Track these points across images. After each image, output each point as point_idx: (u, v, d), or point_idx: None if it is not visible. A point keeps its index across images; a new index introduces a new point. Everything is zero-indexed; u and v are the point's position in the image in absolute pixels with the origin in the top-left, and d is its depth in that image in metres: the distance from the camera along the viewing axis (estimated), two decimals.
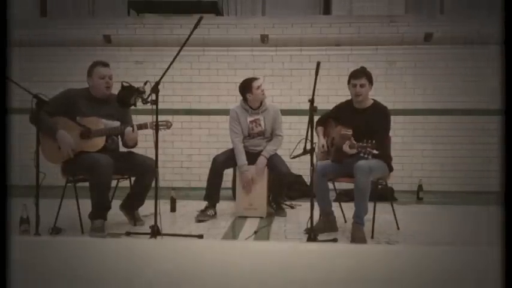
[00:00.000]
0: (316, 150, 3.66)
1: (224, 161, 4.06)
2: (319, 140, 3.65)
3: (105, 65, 3.50)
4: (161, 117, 3.11)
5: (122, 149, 3.68)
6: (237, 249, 0.91)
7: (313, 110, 3.05)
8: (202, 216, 3.92)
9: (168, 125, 3.43)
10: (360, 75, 3.45)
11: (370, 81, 3.48)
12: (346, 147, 3.25)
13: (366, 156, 3.12)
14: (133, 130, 3.41)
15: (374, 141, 3.09)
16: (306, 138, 3.12)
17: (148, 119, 3.22)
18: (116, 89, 3.29)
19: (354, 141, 3.21)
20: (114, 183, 3.62)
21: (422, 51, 5.58)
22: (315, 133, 3.15)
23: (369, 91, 3.51)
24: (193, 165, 5.74)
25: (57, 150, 3.34)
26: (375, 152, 3.07)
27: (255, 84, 4.02)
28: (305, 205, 4.37)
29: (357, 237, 3.25)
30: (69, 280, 0.69)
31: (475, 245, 3.18)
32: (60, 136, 3.29)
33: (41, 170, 3.08)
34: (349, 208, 3.64)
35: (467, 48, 5.52)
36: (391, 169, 3.54)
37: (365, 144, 3.10)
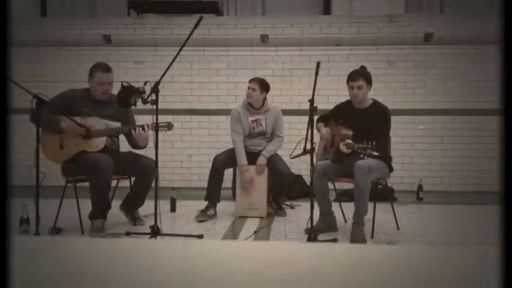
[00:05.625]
0: (316, 150, 3.66)
1: (224, 161, 4.06)
2: (322, 131, 3.64)
3: (107, 70, 3.43)
4: (161, 118, 3.10)
5: (122, 149, 3.68)
6: (237, 249, 0.91)
7: (313, 110, 3.05)
8: (202, 216, 3.93)
9: (169, 127, 3.42)
10: (357, 77, 3.43)
11: (369, 82, 3.47)
12: (342, 147, 3.25)
13: (365, 157, 3.13)
14: (144, 130, 3.39)
15: (374, 143, 3.09)
16: (306, 138, 3.12)
17: (148, 119, 3.22)
18: (116, 89, 3.29)
19: (351, 141, 3.22)
20: (114, 183, 3.62)
21: (422, 51, 5.58)
22: (315, 133, 3.15)
23: (368, 92, 3.50)
24: (193, 165, 5.74)
25: (59, 148, 3.34)
26: (374, 153, 3.08)
27: (248, 84, 4.09)
28: (305, 205, 4.37)
29: (357, 237, 3.25)
30: (69, 280, 0.69)
31: (475, 245, 3.18)
32: (65, 125, 3.29)
33: (41, 170, 3.08)
34: (349, 208, 3.64)
35: (467, 48, 5.52)
36: (391, 169, 3.54)
37: (365, 146, 3.10)
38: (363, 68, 3.58)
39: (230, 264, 0.77)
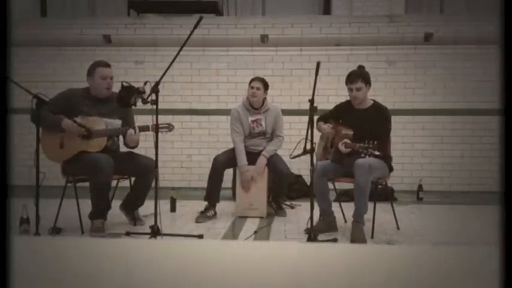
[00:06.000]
0: (316, 150, 3.66)
1: (224, 161, 4.06)
2: (323, 127, 3.64)
3: (107, 65, 3.49)
4: (161, 118, 3.11)
5: (122, 149, 3.68)
6: (237, 249, 0.91)
7: (313, 110, 3.05)
8: (202, 218, 3.92)
9: (170, 128, 3.43)
10: (355, 79, 3.44)
11: (367, 83, 3.47)
12: (341, 147, 3.26)
13: (366, 157, 3.13)
14: (135, 132, 3.40)
15: (376, 143, 3.09)
16: (306, 138, 3.12)
17: (148, 118, 3.22)
18: (116, 89, 3.29)
19: (349, 141, 3.23)
20: (114, 183, 3.62)
21: (422, 51, 5.58)
22: (315, 133, 3.15)
23: (367, 92, 3.51)
24: (193, 165, 5.74)
25: (59, 148, 3.34)
26: (376, 153, 3.08)
27: (252, 83, 4.11)
28: (305, 205, 4.37)
29: (357, 237, 3.25)
30: (69, 280, 0.69)
31: (475, 245, 3.18)
32: (66, 124, 3.29)
33: (41, 170, 3.08)
34: (349, 208, 3.64)
35: (467, 48, 5.52)
36: (391, 169, 3.54)
37: (366, 145, 3.11)
38: (360, 67, 3.57)
39: (230, 264, 0.77)
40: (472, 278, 0.72)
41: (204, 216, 3.95)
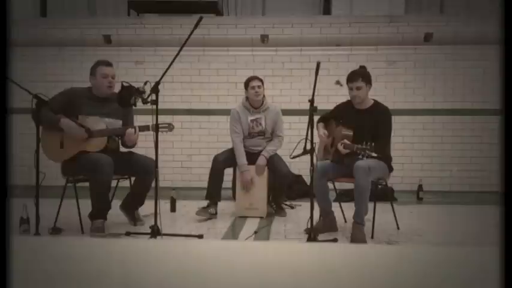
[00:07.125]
0: (316, 150, 3.66)
1: (224, 160, 4.07)
2: (320, 131, 3.63)
3: (109, 64, 3.51)
4: (161, 118, 3.10)
5: (122, 149, 3.68)
6: (237, 249, 0.91)
7: (313, 110, 3.05)
8: (203, 213, 3.92)
9: (170, 128, 3.43)
10: (355, 78, 3.43)
11: (368, 82, 3.47)
12: (340, 147, 3.26)
13: (364, 158, 3.13)
14: (135, 132, 3.40)
15: (373, 144, 3.09)
16: (306, 138, 3.12)
17: (148, 118, 3.22)
18: (116, 89, 3.29)
19: (348, 142, 3.23)
20: (114, 183, 3.62)
21: (422, 51, 5.58)
22: (315, 133, 3.15)
23: (368, 91, 3.50)
24: (193, 165, 5.74)
25: (59, 148, 3.34)
26: (373, 155, 3.07)
27: (251, 83, 4.10)
28: (305, 205, 4.37)
29: (357, 237, 3.25)
30: (69, 280, 0.69)
31: (475, 245, 3.18)
32: (65, 123, 3.28)
33: (41, 170, 3.08)
34: (349, 208, 3.64)
35: (467, 48, 5.52)
36: (391, 169, 3.54)
37: (364, 147, 3.10)
38: (362, 68, 3.58)
39: (230, 264, 0.77)
40: (472, 278, 0.71)
41: (205, 211, 3.94)
